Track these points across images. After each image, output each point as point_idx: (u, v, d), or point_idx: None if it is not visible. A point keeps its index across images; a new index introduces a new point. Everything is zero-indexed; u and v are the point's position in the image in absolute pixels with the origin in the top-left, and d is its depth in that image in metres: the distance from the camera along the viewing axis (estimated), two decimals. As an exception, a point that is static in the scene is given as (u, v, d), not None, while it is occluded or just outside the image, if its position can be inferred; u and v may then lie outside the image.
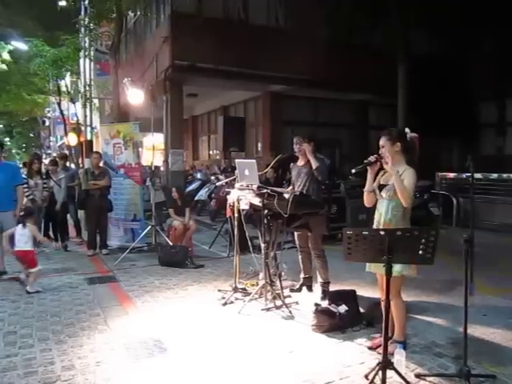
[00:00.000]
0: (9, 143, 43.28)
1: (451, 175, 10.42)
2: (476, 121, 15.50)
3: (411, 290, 4.95)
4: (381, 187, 3.48)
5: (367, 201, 3.61)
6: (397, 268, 3.16)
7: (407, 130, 3.57)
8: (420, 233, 2.70)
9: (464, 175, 9.63)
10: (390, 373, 2.84)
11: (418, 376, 3.16)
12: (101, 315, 4.43)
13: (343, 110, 14.68)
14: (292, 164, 5.18)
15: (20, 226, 5.32)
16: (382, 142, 3.49)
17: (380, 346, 3.44)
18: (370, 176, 3.53)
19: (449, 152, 15.95)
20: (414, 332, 3.94)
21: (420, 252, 2.69)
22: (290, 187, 5.01)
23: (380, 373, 2.81)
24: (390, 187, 3.39)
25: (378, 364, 2.88)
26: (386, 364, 2.80)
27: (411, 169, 3.40)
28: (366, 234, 2.75)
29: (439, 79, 12.86)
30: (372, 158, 3.46)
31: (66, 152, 17.00)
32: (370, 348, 3.60)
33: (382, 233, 2.74)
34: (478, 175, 8.80)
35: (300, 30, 11.84)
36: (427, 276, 5.00)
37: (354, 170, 3.59)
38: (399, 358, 3.13)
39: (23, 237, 5.28)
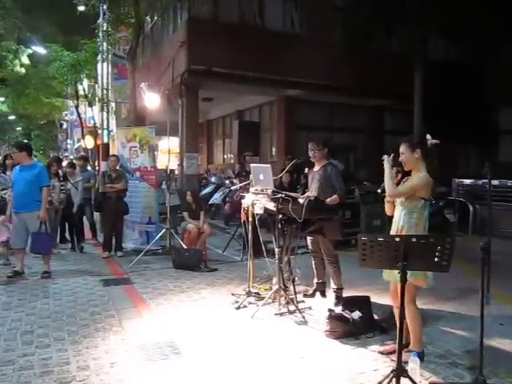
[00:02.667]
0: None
1: (468, 182, 10.28)
2: (494, 127, 15.28)
3: (426, 298, 4.90)
4: None
5: (388, 209, 3.63)
6: (409, 275, 3.16)
7: (428, 136, 3.54)
8: (436, 240, 2.68)
9: (481, 182, 9.51)
10: (403, 381, 2.81)
11: (432, 384, 3.13)
12: (115, 317, 4.47)
13: (358, 115, 14.63)
14: (308, 169, 5.18)
15: None
16: (401, 148, 3.48)
17: (391, 352, 3.42)
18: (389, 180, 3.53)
19: (466, 158, 15.76)
20: (428, 340, 3.89)
21: (436, 259, 2.67)
22: (307, 193, 5.01)
23: (394, 380, 2.78)
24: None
25: (392, 371, 2.85)
26: (400, 372, 2.78)
27: (424, 175, 3.37)
28: (381, 240, 2.74)
29: (456, 85, 12.71)
30: (393, 171, 3.49)
31: (84, 154, 17.19)
32: (381, 353, 3.58)
33: (398, 239, 2.72)
34: (495, 182, 8.67)
35: (316, 35, 11.86)
36: (442, 284, 4.92)
37: (379, 190, 3.61)
38: (413, 366, 3.09)
39: None
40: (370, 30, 11.68)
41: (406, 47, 11.65)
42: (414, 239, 2.71)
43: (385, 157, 3.50)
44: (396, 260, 2.71)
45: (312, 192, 4.86)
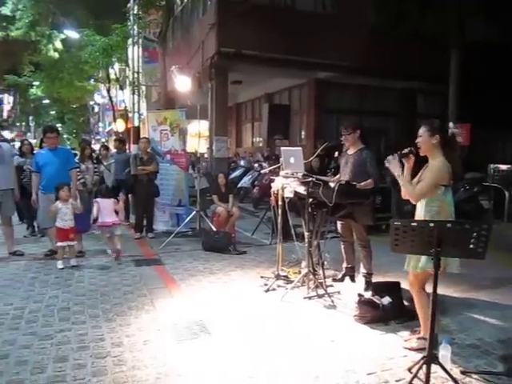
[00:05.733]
0: (60, 129, 45.09)
1: (504, 167, 9.93)
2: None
3: (458, 286, 4.83)
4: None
5: (404, 194, 3.53)
6: (421, 264, 3.15)
7: (451, 124, 3.42)
8: (471, 226, 2.62)
9: (518, 167, 9.20)
10: (434, 368, 2.79)
11: (463, 373, 3.09)
12: (147, 296, 4.58)
13: (390, 98, 14.29)
14: (342, 152, 5.11)
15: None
16: (420, 131, 3.36)
17: (416, 349, 3.38)
18: (405, 169, 3.41)
19: (503, 143, 15.22)
20: (460, 328, 3.84)
21: (471, 246, 2.61)
22: (338, 176, 4.96)
23: (424, 367, 2.76)
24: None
25: (422, 358, 2.83)
26: (431, 358, 2.75)
27: (442, 161, 3.23)
28: (414, 225, 2.70)
29: (495, 67, 12.22)
30: (405, 150, 3.36)
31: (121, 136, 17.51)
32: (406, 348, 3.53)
33: (432, 224, 2.67)
34: (533, 167, 8.38)
35: (347, 16, 11.58)
36: (476, 272, 4.84)
37: (387, 164, 3.49)
38: (445, 353, 3.06)
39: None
40: (404, 10, 11.33)
41: (442, 27, 11.25)
42: (448, 225, 2.66)
43: (389, 159, 3.33)
44: (429, 246, 2.66)
45: (345, 176, 4.80)
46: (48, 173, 5.99)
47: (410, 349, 3.43)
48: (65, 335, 3.61)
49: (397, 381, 3.00)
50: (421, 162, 3.44)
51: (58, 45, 18.99)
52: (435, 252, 2.65)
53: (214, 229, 7.01)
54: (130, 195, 8.62)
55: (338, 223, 5.11)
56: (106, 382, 2.91)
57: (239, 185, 11.36)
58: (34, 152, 7.66)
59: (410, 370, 3.06)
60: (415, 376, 2.80)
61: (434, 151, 3.31)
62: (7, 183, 6.09)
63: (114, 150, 9.03)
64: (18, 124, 40.11)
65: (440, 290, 2.74)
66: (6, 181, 6.06)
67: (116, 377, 2.97)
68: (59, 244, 5.64)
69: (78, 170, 6.66)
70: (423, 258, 3.11)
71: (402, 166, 3.43)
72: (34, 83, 26.19)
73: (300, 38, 11.11)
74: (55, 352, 3.31)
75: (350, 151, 4.90)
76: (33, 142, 15.11)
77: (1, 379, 2.91)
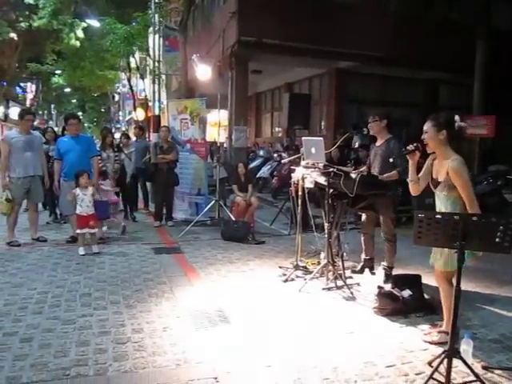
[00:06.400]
0: (81, 117, 45.70)
1: (530, 160, 9.70)
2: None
3: (480, 281, 4.76)
4: (434, 182, 3.30)
5: (412, 190, 3.46)
6: (442, 262, 3.13)
7: (457, 117, 3.24)
8: (498, 219, 2.55)
9: (545, 160, 8.94)
10: (455, 362, 2.75)
11: (485, 368, 3.05)
12: (167, 284, 4.63)
13: (412, 89, 14.04)
14: (372, 144, 5.04)
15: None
16: (425, 127, 3.25)
17: (436, 342, 3.33)
18: (410, 166, 3.35)
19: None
20: (482, 323, 3.78)
21: (497, 240, 2.55)
22: (364, 167, 4.89)
23: (445, 361, 2.73)
24: (443, 186, 3.19)
25: (443, 352, 2.80)
26: (452, 353, 2.71)
27: (456, 159, 3.12)
28: (438, 217, 2.65)
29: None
30: (410, 147, 3.27)
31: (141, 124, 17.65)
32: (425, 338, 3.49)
33: (456, 217, 2.62)
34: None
35: (370, 4, 11.38)
36: (498, 266, 4.75)
37: (391, 160, 3.43)
38: (466, 347, 3.02)
39: None
40: (429, -2, 11.10)
41: (468, 15, 10.97)
42: (474, 218, 2.60)
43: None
44: (454, 239, 2.61)
45: (374, 169, 4.70)
46: (70, 160, 6.06)
47: (430, 342, 3.39)
48: (87, 320, 3.67)
49: (417, 374, 2.97)
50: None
51: (80, 33, 19.14)
52: (460, 245, 2.60)
53: (233, 218, 7.03)
54: (149, 183, 8.71)
55: (363, 215, 5.05)
56: (127, 367, 2.95)
57: (258, 175, 11.34)
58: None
59: (430, 363, 3.03)
60: (436, 370, 2.77)
61: (442, 148, 3.21)
62: (36, 170, 6.20)
63: (133, 139, 9.11)
64: (40, 112, 40.71)
65: (462, 285, 2.69)
66: (35, 167, 6.18)
67: (136, 362, 3.02)
68: (79, 231, 5.73)
69: (99, 157, 6.72)
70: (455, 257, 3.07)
71: (407, 162, 3.38)
72: (56, 72, 26.54)
73: (321, 26, 10.97)
74: (77, 336, 3.37)
75: (378, 142, 4.82)
76: (55, 129, 15.35)
77: (26, 361, 2.99)
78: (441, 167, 3.23)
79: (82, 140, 6.29)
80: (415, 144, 3.27)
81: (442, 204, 3.27)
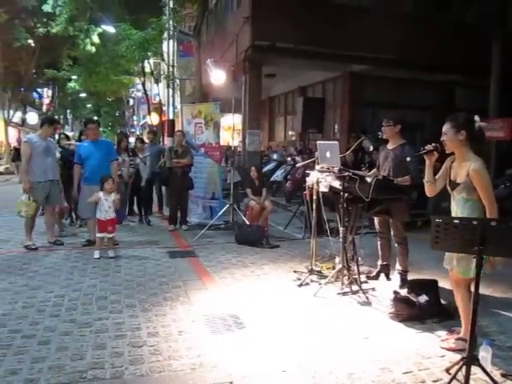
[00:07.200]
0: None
1: (548, 163, 9.53)
2: None
3: (499, 286, 4.68)
4: (452, 184, 3.25)
5: (428, 191, 3.43)
6: (461, 270, 3.10)
7: (477, 117, 3.19)
8: (517, 225, 2.52)
9: None
10: (473, 369, 2.71)
11: (504, 375, 3.00)
12: (182, 287, 4.65)
13: (427, 92, 13.90)
14: (381, 146, 5.02)
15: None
16: (444, 128, 3.21)
17: (454, 349, 3.28)
18: (427, 166, 3.31)
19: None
20: (501, 330, 3.72)
21: (516, 245, 2.51)
22: (374, 170, 4.87)
23: (464, 368, 2.69)
24: (462, 188, 3.14)
25: (461, 359, 2.76)
26: (471, 360, 2.68)
27: (477, 161, 3.07)
28: (456, 222, 2.62)
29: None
30: (429, 147, 3.24)
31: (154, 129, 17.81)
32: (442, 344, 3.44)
33: (475, 222, 2.58)
34: None
35: (383, 7, 11.32)
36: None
37: (408, 159, 3.40)
38: (485, 354, 2.97)
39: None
40: (444, 0, 10.99)
41: (484, 17, 10.85)
42: (493, 223, 2.57)
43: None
44: (472, 244, 2.58)
45: (384, 171, 4.69)
46: (91, 165, 6.16)
47: (447, 349, 3.35)
48: (103, 323, 3.70)
49: (434, 381, 2.93)
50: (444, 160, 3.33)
51: (96, 39, 19.40)
52: (478, 251, 2.56)
53: (247, 222, 7.04)
54: (164, 187, 8.76)
55: (376, 219, 5.03)
56: (143, 371, 2.97)
57: (272, 178, 11.34)
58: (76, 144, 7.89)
59: (448, 370, 2.99)
60: (454, 377, 2.73)
61: (462, 149, 3.16)
62: (54, 174, 6.32)
63: (147, 143, 9.18)
64: (56, 117, 41.36)
65: (479, 290, 2.66)
66: (53, 172, 6.30)
67: (152, 366, 3.03)
68: (98, 235, 5.79)
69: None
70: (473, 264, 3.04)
71: (424, 162, 3.34)
72: (72, 77, 26.92)
73: (335, 30, 10.95)
74: (94, 339, 3.40)
75: (390, 146, 4.79)
76: (70, 134, 15.58)
77: (43, 364, 3.02)
78: (460, 169, 3.18)
79: (102, 144, 6.39)
80: (434, 144, 3.24)
81: (458, 207, 3.22)
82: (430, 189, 3.41)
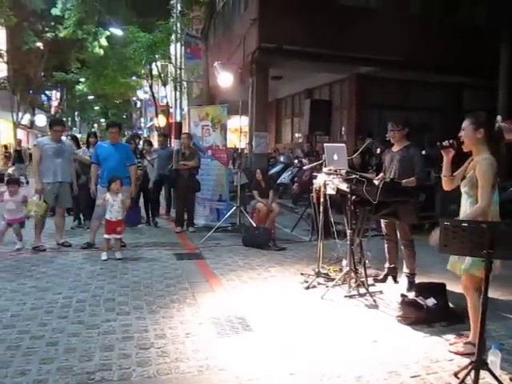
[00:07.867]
0: (104, 124, 46.61)
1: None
2: None
3: (507, 289, 4.64)
4: (462, 178, 3.24)
5: (445, 185, 3.41)
6: (464, 266, 3.07)
7: (499, 117, 3.17)
8: (527, 228, 2.50)
9: None
10: (482, 374, 2.69)
11: (513, 380, 2.97)
12: (189, 290, 4.65)
13: (434, 93, 13.87)
14: (380, 150, 5.02)
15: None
16: (464, 124, 3.20)
17: (464, 353, 3.25)
18: (444, 161, 3.29)
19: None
20: (510, 334, 3.69)
21: (526, 249, 2.50)
22: (381, 174, 4.86)
23: (472, 372, 2.67)
24: (468, 181, 3.14)
25: (470, 363, 2.74)
26: (480, 364, 2.66)
27: (488, 158, 3.05)
28: (465, 225, 2.60)
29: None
30: (446, 143, 3.22)
31: (164, 131, 17.86)
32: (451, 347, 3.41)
33: (484, 225, 2.57)
34: None
35: (390, 9, 11.31)
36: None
37: (423, 152, 3.38)
38: (494, 359, 2.95)
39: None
40: (452, 1, 10.95)
41: (492, 19, 10.81)
42: (502, 226, 2.55)
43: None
44: (480, 247, 2.56)
45: (390, 173, 4.69)
46: (108, 166, 6.21)
47: (456, 353, 3.32)
48: (110, 325, 3.72)
49: (442, 385, 2.92)
50: (461, 157, 3.31)
51: (104, 42, 19.52)
52: (487, 254, 2.55)
53: (254, 224, 7.04)
54: (171, 189, 8.78)
55: (382, 221, 5.01)
56: (150, 373, 2.97)
57: (278, 181, 11.34)
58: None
59: (456, 374, 2.97)
60: (463, 381, 2.71)
61: (479, 147, 3.14)
62: (64, 176, 6.36)
63: (156, 146, 9.23)
64: (64, 119, 41.68)
65: (488, 293, 2.64)
66: (63, 174, 6.34)
67: (160, 368, 3.04)
68: (105, 236, 5.82)
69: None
70: (468, 260, 3.02)
71: (442, 157, 3.32)
72: (81, 80, 27.09)
73: (342, 32, 10.95)
74: (102, 341, 3.42)
75: (395, 148, 4.79)
76: (78, 136, 15.68)
77: (52, 365, 3.04)
78: (473, 165, 3.19)
79: (121, 147, 6.44)
80: (451, 140, 3.22)
81: (462, 201, 3.24)
82: (447, 183, 3.39)
